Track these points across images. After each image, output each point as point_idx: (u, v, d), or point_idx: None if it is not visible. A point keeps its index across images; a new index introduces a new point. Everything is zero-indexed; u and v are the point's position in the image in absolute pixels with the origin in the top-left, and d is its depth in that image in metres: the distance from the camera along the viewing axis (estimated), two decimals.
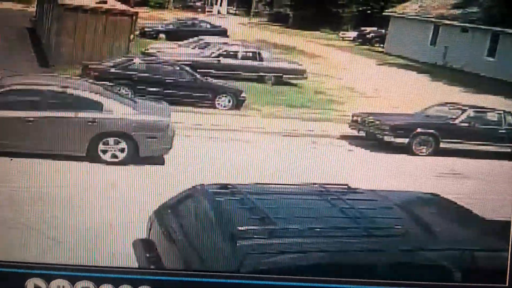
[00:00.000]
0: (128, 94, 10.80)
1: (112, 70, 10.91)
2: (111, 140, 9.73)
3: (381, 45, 11.87)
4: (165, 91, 10.91)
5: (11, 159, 9.21)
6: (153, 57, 11.65)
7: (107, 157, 9.74)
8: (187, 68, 11.27)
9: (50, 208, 8.29)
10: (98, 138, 9.64)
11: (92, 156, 9.64)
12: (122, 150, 9.79)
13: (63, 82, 10.12)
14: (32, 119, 9.50)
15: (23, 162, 9.21)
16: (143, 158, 9.83)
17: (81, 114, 9.64)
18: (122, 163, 9.75)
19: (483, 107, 10.77)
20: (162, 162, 9.96)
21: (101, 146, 9.69)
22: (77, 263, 7.24)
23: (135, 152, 9.77)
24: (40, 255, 7.47)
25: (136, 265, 7.17)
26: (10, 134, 9.46)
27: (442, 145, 10.62)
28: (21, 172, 9.00)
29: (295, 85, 11.54)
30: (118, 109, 9.86)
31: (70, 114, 9.60)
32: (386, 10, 11.66)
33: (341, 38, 12.05)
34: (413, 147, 10.58)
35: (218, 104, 11.26)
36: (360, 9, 11.63)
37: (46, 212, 8.22)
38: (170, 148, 9.86)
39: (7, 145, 9.37)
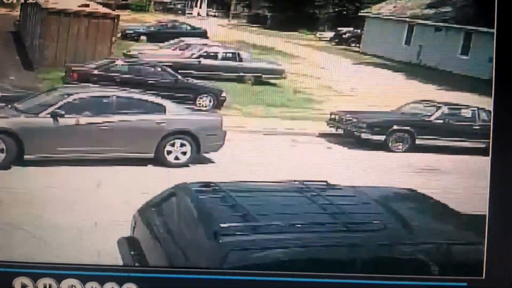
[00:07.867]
0: None
1: (95, 71, 10.87)
2: (176, 141, 10.00)
3: (357, 45, 11.82)
4: (147, 91, 10.90)
5: None
6: (135, 59, 11.60)
7: (171, 157, 10.02)
8: (169, 69, 11.19)
9: (35, 208, 8.34)
10: (165, 139, 9.95)
11: (159, 158, 9.92)
12: (185, 149, 10.08)
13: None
14: (104, 125, 9.71)
15: None
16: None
17: (149, 117, 9.93)
18: (186, 163, 10.05)
19: (457, 104, 10.78)
20: (145, 163, 10.01)
21: (167, 147, 9.97)
22: (63, 262, 7.33)
23: (197, 150, 10.03)
24: (27, 254, 7.52)
25: (121, 262, 7.27)
26: (83, 141, 9.59)
27: (417, 141, 10.67)
28: (6, 174, 9.04)
29: (274, 84, 11.54)
30: (178, 110, 10.17)
31: (138, 117, 9.89)
32: (362, 11, 11.64)
33: (318, 39, 12.02)
34: (390, 144, 10.64)
35: (199, 104, 11.25)
36: (336, 10, 11.61)
37: (32, 212, 8.28)
38: (223, 144, 10.06)
39: (79, 152, 9.61)
